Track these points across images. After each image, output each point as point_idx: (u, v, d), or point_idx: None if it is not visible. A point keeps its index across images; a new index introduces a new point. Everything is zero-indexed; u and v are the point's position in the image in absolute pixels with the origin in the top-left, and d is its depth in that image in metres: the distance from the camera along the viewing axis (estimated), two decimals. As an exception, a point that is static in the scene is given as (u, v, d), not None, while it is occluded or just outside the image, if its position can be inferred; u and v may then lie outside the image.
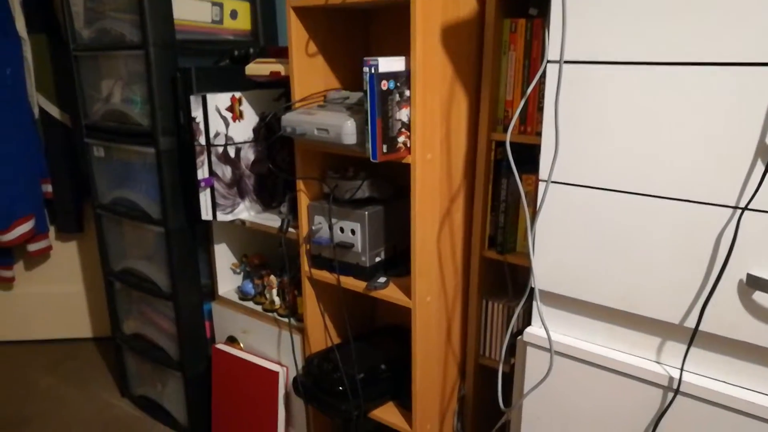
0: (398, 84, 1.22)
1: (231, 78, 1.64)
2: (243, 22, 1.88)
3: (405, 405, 1.49)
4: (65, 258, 2.54)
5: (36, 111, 2.29)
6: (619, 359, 1.03)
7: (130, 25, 1.62)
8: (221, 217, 1.64)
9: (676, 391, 0.97)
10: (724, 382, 0.95)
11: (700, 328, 0.93)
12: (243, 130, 1.63)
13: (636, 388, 1.02)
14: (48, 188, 2.38)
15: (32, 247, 2.40)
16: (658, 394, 1.00)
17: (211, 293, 1.88)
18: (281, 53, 1.59)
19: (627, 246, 0.98)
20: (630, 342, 1.04)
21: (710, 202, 0.89)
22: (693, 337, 0.95)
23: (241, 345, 1.81)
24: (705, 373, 0.97)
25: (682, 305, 0.94)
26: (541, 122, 1.28)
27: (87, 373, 2.38)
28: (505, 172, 1.36)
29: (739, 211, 0.86)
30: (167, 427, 2.02)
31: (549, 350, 1.11)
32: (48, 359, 2.49)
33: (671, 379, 0.98)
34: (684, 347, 0.98)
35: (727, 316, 0.90)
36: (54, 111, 2.31)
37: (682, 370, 0.96)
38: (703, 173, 0.88)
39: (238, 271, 1.89)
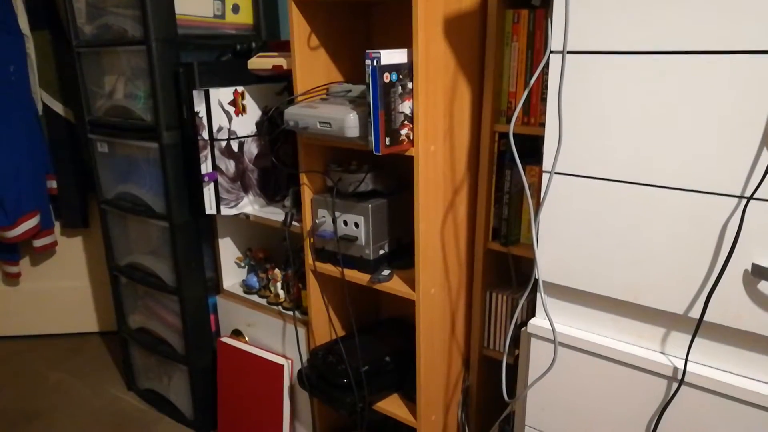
0: (401, 76, 1.21)
1: (233, 72, 1.64)
2: (245, 16, 1.87)
3: (409, 396, 1.49)
4: (71, 253, 2.56)
5: (40, 107, 2.30)
6: (623, 350, 1.03)
7: (132, 21, 1.62)
8: (225, 211, 1.64)
9: (681, 382, 0.97)
10: (728, 372, 0.95)
11: (705, 318, 0.93)
12: (246, 124, 1.63)
13: (640, 378, 1.02)
14: (53, 184, 2.39)
15: (38, 243, 2.41)
16: (663, 385, 1.00)
17: (216, 287, 1.89)
18: (283, 47, 1.59)
19: (631, 237, 0.98)
20: (634, 333, 1.04)
21: (715, 191, 0.88)
22: (697, 328, 0.94)
23: (246, 338, 1.82)
24: (709, 363, 0.97)
25: (686, 296, 0.94)
26: (544, 113, 1.27)
27: (93, 367, 2.39)
28: (509, 164, 1.36)
29: (744, 201, 0.86)
30: (173, 420, 2.03)
31: (553, 341, 1.11)
32: (54, 354, 2.50)
33: (675, 369, 0.98)
34: (688, 338, 0.98)
35: (732, 306, 0.90)
36: (58, 107, 2.31)
37: (686, 360, 0.96)
38: (708, 163, 0.88)
39: (242, 264, 1.90)
